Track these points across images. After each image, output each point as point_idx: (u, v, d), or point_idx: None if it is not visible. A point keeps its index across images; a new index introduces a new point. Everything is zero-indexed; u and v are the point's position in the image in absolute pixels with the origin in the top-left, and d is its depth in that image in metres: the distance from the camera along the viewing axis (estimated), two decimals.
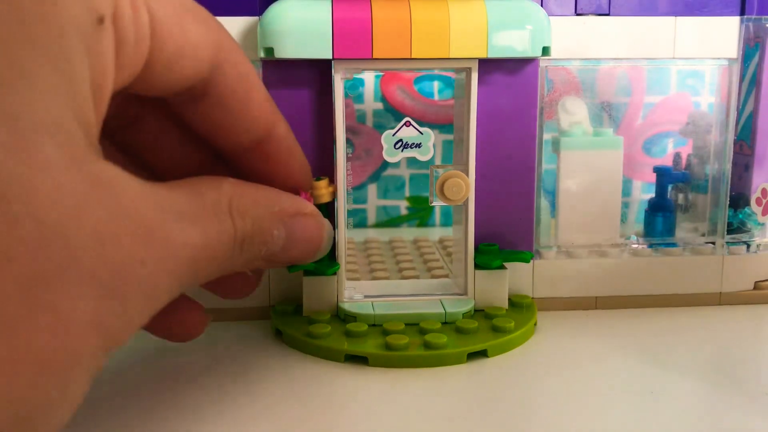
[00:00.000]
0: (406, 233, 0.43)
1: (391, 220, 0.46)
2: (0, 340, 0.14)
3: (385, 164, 0.45)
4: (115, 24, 0.17)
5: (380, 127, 0.44)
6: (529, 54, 0.27)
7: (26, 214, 0.14)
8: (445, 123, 0.43)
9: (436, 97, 0.44)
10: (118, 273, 0.16)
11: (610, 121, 0.34)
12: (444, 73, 0.43)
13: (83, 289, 0.15)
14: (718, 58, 0.31)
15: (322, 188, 0.27)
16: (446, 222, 0.47)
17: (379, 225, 0.46)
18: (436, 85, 0.44)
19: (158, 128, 0.24)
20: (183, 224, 0.18)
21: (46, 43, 0.15)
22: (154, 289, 0.17)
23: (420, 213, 0.46)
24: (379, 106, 0.44)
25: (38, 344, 0.14)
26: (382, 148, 0.44)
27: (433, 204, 0.29)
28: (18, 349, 0.14)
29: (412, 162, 0.45)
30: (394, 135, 0.28)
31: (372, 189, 0.46)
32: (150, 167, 0.24)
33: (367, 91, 0.44)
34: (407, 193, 0.46)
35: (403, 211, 0.46)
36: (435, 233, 0.43)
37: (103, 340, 0.16)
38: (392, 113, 0.44)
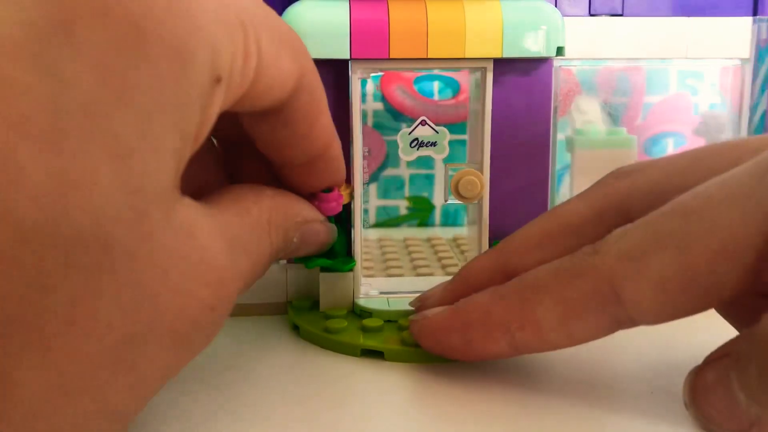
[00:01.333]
0: (407, 233, 0.44)
1: (390, 220, 0.47)
2: (85, 398, 0.14)
3: (385, 164, 0.45)
4: (229, 78, 0.17)
5: (380, 127, 0.44)
6: (544, 54, 0.28)
7: (128, 282, 0.14)
8: (444, 123, 0.44)
9: (436, 97, 0.44)
10: (193, 323, 0.16)
11: (611, 121, 0.34)
12: (444, 74, 0.44)
13: (163, 345, 0.16)
14: (731, 58, 0.31)
15: (341, 190, 0.28)
16: (446, 222, 0.47)
17: (378, 225, 0.47)
18: (436, 85, 0.44)
19: None
20: (238, 255, 0.18)
21: (177, 111, 0.15)
22: (215, 329, 0.18)
23: (420, 213, 0.47)
24: (379, 106, 0.44)
25: (117, 402, 0.15)
26: (382, 147, 0.45)
27: (448, 202, 0.29)
28: (97, 406, 0.15)
29: (411, 161, 0.45)
30: (410, 134, 0.28)
31: (372, 189, 0.46)
32: None
33: (367, 91, 0.44)
34: (407, 193, 0.46)
35: (403, 211, 0.47)
36: (435, 233, 0.43)
37: (166, 381, 0.17)
38: (392, 113, 0.44)
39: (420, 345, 0.26)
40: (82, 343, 0.14)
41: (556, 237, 0.25)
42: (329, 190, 0.25)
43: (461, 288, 0.26)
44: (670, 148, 0.42)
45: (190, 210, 0.16)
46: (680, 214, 0.20)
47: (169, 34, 0.14)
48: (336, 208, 0.26)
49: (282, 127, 0.22)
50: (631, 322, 0.21)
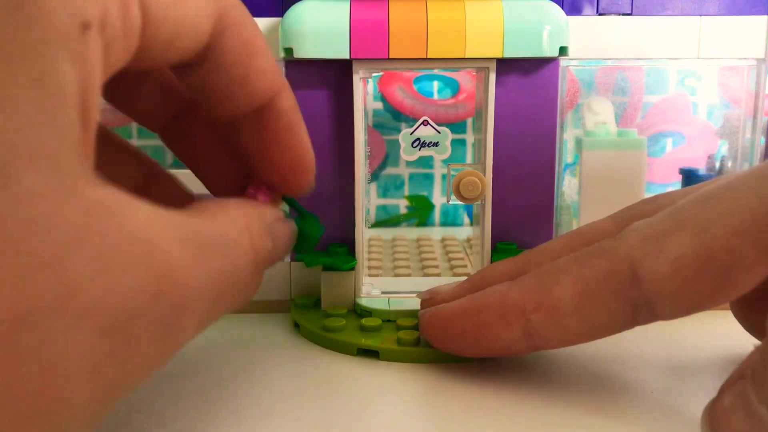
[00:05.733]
0: (407, 232, 0.44)
1: (390, 219, 0.47)
2: None
3: (385, 163, 0.45)
4: (102, 26, 0.15)
5: (379, 127, 0.44)
6: (546, 54, 0.27)
7: (8, 246, 0.12)
8: (444, 122, 0.43)
9: (436, 96, 0.44)
10: (124, 308, 0.14)
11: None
12: (444, 73, 0.43)
13: (79, 326, 0.13)
14: (746, 58, 0.30)
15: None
16: (446, 221, 0.47)
17: (378, 224, 0.47)
18: (435, 84, 0.44)
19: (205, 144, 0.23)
20: (204, 251, 0.16)
21: (27, 60, 0.13)
22: (171, 327, 0.15)
23: (419, 212, 0.47)
24: (379, 105, 0.44)
25: (22, 389, 0.13)
26: (382, 147, 0.45)
27: (450, 203, 0.29)
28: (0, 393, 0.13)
29: (410, 161, 0.45)
30: (411, 134, 0.28)
31: (372, 188, 0.46)
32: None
33: (367, 91, 0.44)
34: (407, 192, 0.46)
35: (403, 210, 0.47)
36: (435, 233, 0.43)
37: (104, 385, 0.14)
38: (392, 113, 0.44)
39: (428, 337, 0.25)
40: None
41: (579, 248, 0.24)
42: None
43: (477, 288, 0.25)
44: (669, 147, 0.41)
45: (116, 194, 0.15)
46: (700, 200, 0.20)
47: None
48: None
49: (213, 74, 0.20)
50: (649, 310, 0.21)
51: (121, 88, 0.22)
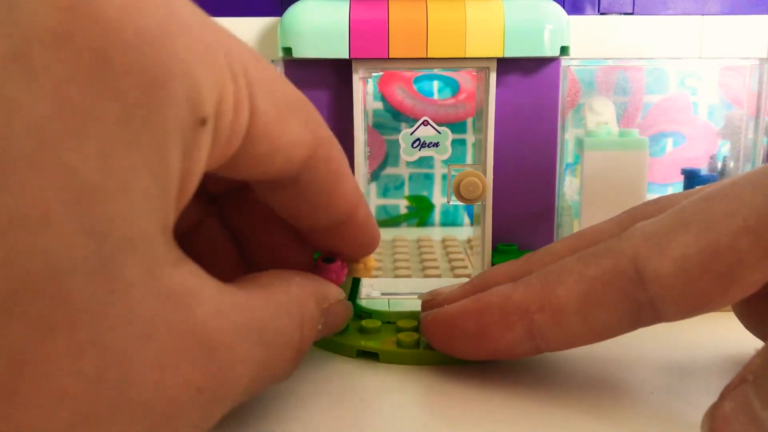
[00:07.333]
0: (407, 233, 0.44)
1: (390, 219, 0.47)
2: None
3: (385, 163, 0.45)
4: (216, 121, 0.15)
5: (379, 127, 0.44)
6: (547, 53, 0.27)
7: (90, 343, 0.13)
8: (444, 122, 0.43)
9: (436, 96, 0.44)
10: (173, 402, 0.14)
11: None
12: (444, 73, 0.43)
13: (135, 424, 0.14)
14: (748, 58, 0.30)
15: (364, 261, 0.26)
16: (446, 221, 0.47)
17: (378, 225, 0.47)
18: (435, 84, 0.44)
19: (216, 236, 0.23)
20: (249, 341, 0.17)
21: (148, 149, 0.13)
22: (205, 417, 0.16)
23: (419, 212, 0.46)
24: (379, 105, 0.44)
25: None
26: (381, 147, 0.44)
27: (450, 203, 0.29)
28: None
29: (410, 161, 0.44)
30: (411, 134, 0.28)
31: (372, 188, 0.46)
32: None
33: (367, 91, 0.44)
34: (407, 192, 0.46)
35: (403, 210, 0.47)
36: (435, 233, 0.43)
37: None
38: (392, 113, 0.44)
39: (430, 339, 0.25)
40: (27, 418, 0.12)
41: (582, 250, 0.24)
42: (331, 260, 0.24)
43: (478, 290, 0.25)
44: (669, 147, 0.41)
45: (189, 278, 0.15)
46: (705, 199, 0.20)
47: (137, 63, 0.13)
48: (335, 281, 0.24)
49: (297, 198, 0.20)
50: (653, 311, 0.20)
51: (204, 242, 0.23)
